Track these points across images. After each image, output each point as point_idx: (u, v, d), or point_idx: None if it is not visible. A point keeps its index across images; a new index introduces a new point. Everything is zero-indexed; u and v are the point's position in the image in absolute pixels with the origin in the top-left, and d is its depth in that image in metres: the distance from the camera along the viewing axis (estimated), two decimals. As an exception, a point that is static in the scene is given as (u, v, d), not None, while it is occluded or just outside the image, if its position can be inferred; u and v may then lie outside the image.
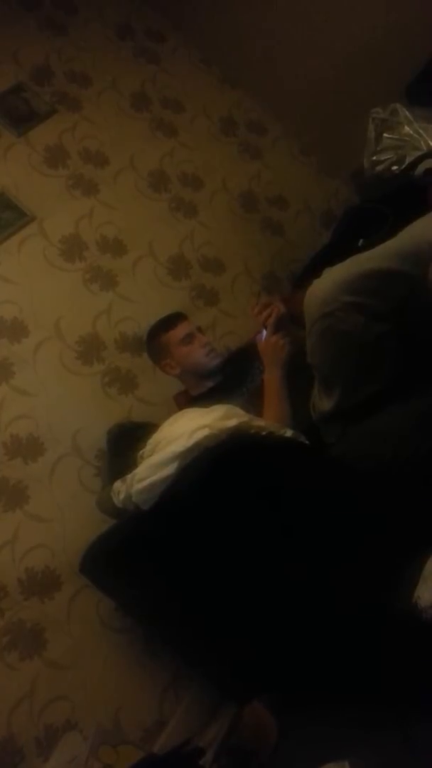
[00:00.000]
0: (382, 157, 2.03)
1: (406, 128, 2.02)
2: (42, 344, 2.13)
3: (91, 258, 2.32)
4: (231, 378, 2.06)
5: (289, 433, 1.67)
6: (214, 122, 2.78)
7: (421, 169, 1.96)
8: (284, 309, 1.95)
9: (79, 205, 2.39)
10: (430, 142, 1.99)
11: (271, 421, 1.74)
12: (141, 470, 1.58)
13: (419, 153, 1.96)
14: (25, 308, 2.16)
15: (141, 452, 1.68)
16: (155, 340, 2.10)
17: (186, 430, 1.58)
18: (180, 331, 2.05)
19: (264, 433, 1.62)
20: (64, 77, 2.62)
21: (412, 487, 1.43)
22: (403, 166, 2.00)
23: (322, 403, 1.65)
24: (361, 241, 1.92)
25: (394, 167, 2.02)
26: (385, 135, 2.03)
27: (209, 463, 1.50)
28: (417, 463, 1.45)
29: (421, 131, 2.00)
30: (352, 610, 1.29)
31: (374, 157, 2.04)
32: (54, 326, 2.16)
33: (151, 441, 1.68)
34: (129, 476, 1.62)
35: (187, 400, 2.06)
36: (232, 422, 1.60)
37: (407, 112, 2.04)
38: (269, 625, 1.39)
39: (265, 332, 1.93)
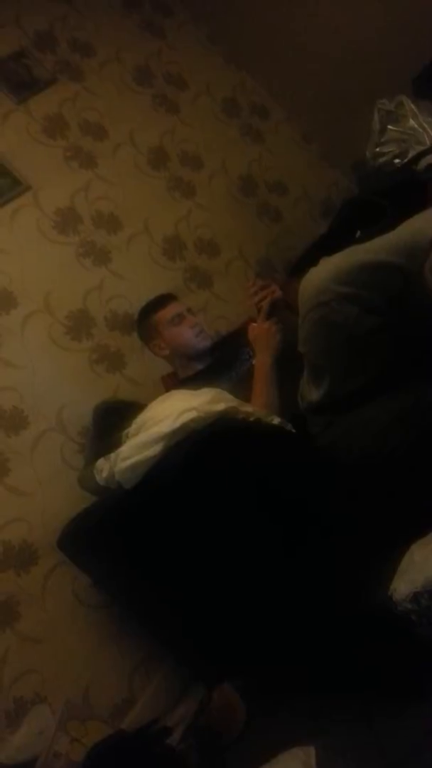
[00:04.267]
0: (386, 149, 2.01)
1: (411, 121, 2.00)
2: (31, 316, 2.10)
3: (85, 232, 2.28)
4: (220, 362, 2.05)
5: (276, 420, 1.67)
6: (218, 102, 2.74)
7: (423, 164, 1.95)
8: (280, 293, 1.94)
9: (75, 178, 2.35)
10: (433, 137, 1.98)
11: (259, 407, 1.73)
12: (126, 449, 1.57)
13: (423, 148, 1.95)
14: (15, 279, 2.12)
15: (126, 431, 1.67)
16: (145, 320, 2.08)
17: (173, 411, 1.57)
18: (170, 311, 2.03)
19: (251, 419, 1.61)
20: (67, 46, 2.56)
21: (393, 480, 1.44)
22: (406, 160, 1.99)
23: (311, 392, 1.65)
24: (358, 233, 1.91)
25: (397, 160, 2.01)
26: (390, 127, 2.01)
27: (195, 446, 1.49)
28: (398, 457, 1.46)
29: (425, 125, 1.99)
30: (328, 600, 1.30)
31: (377, 149, 2.03)
32: (44, 299, 2.13)
33: (138, 420, 1.67)
34: (113, 455, 1.61)
35: (175, 382, 2.04)
36: (220, 406, 1.59)
37: (413, 106, 2.03)
38: (243, 609, 1.40)
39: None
